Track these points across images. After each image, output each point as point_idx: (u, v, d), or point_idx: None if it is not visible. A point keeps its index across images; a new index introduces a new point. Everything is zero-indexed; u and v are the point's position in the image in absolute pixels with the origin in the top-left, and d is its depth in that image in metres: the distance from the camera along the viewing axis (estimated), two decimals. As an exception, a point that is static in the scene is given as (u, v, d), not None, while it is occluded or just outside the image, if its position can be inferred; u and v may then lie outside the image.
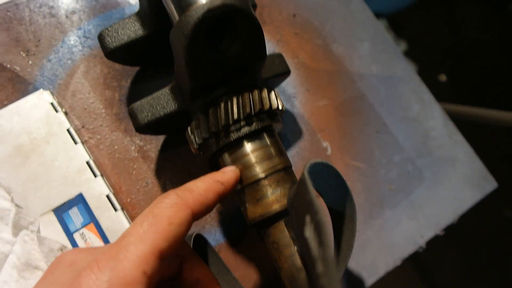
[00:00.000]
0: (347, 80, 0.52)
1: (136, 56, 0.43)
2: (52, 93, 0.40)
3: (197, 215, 0.26)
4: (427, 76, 1.82)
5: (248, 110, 0.32)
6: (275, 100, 0.35)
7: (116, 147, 0.42)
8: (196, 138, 0.34)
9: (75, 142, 0.38)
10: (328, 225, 0.28)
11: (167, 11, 0.33)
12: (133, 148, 0.43)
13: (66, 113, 0.41)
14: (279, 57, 0.41)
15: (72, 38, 0.46)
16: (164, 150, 0.43)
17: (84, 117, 0.43)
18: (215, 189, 0.29)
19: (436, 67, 1.84)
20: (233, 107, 0.32)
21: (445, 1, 1.94)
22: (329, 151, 0.48)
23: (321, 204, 0.24)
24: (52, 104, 0.39)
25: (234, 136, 0.32)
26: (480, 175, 0.52)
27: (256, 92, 0.33)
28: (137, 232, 0.22)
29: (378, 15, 1.78)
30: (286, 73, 0.42)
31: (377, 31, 0.54)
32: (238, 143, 0.33)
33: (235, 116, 0.32)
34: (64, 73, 0.45)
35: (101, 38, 0.38)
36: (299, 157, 0.48)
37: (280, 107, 0.35)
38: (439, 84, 1.81)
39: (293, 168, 0.35)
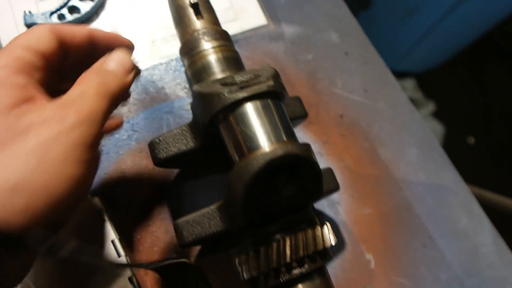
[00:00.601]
0: (393, 187, 0.50)
1: (183, 163, 0.43)
2: (100, 200, 0.40)
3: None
4: (455, 138, 1.79)
5: (301, 253, 0.31)
6: (328, 238, 0.33)
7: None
8: (245, 273, 0.33)
9: (119, 255, 0.37)
10: None
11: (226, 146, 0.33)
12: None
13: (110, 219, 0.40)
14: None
15: (121, 131, 0.46)
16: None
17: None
18: None
19: (464, 129, 1.81)
20: (285, 249, 0.31)
21: (474, 61, 1.93)
22: (372, 265, 0.46)
23: None
24: (99, 212, 0.38)
25: (284, 277, 0.31)
26: (533, 300, 0.48)
27: (309, 232, 0.32)
28: None
29: (407, 74, 1.78)
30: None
31: (425, 136, 0.53)
32: (288, 284, 0.32)
33: (287, 259, 0.31)
34: (109, 166, 0.45)
35: (151, 147, 0.38)
36: (340, 269, 0.45)
37: (333, 243, 0.34)
38: (467, 147, 1.77)
39: (334, 282, 0.33)
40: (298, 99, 0.42)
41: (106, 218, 0.38)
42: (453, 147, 1.77)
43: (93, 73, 0.29)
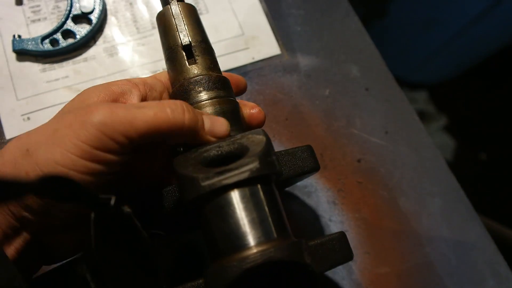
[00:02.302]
0: (414, 243, 0.45)
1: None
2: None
3: None
4: (467, 153, 1.73)
5: None
6: None
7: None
8: None
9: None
10: None
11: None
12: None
13: None
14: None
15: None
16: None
17: None
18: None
19: (476, 144, 1.75)
20: None
21: (489, 74, 1.87)
22: (387, 332, 0.42)
23: None
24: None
25: None
26: None
27: None
28: None
29: (419, 86, 1.72)
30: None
31: (450, 185, 0.48)
32: None
33: None
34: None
35: None
36: (352, 336, 0.41)
37: None
38: (478, 163, 1.72)
39: None
40: (309, 150, 0.36)
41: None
42: (464, 163, 1.71)
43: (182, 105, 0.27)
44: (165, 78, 0.33)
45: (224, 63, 0.47)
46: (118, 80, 0.29)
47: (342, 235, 0.35)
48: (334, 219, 0.45)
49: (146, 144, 0.27)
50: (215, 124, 0.29)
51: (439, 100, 1.74)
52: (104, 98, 0.27)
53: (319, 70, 0.50)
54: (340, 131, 0.48)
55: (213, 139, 0.28)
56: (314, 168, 0.35)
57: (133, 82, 0.29)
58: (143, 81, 0.30)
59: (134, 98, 0.28)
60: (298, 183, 0.45)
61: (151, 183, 0.33)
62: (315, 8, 0.52)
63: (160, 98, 0.31)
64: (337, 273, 0.43)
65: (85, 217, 0.23)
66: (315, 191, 0.45)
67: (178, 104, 0.27)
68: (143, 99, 0.29)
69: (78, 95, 0.28)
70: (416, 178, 0.48)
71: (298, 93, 0.49)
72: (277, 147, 0.46)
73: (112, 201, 0.23)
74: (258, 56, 0.49)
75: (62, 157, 0.24)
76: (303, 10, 0.52)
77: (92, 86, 0.28)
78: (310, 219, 0.44)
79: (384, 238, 0.45)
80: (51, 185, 0.19)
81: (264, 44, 0.49)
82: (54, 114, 0.28)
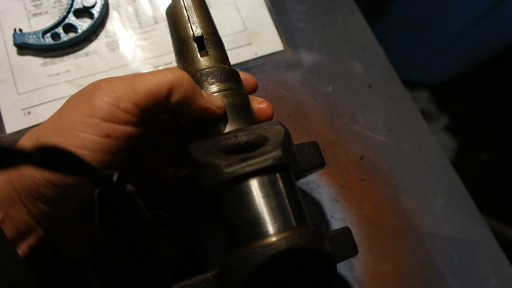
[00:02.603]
0: (416, 241, 0.45)
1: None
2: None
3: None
4: (468, 153, 1.73)
5: None
6: None
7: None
8: None
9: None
10: None
11: None
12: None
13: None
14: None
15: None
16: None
17: None
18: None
19: (477, 144, 1.75)
20: None
21: (492, 74, 1.87)
22: (389, 330, 0.41)
23: None
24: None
25: None
26: None
27: None
28: None
29: (420, 85, 1.72)
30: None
31: (453, 184, 0.48)
32: None
33: None
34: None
35: None
36: (354, 334, 0.41)
37: None
38: (479, 163, 1.72)
39: None
40: (315, 146, 0.36)
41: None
42: (465, 163, 1.71)
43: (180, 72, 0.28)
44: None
45: (227, 59, 0.47)
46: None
47: (347, 230, 0.35)
48: (336, 216, 0.44)
49: (155, 116, 0.27)
50: (210, 96, 0.29)
51: (440, 100, 1.74)
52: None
53: (322, 66, 0.50)
54: (343, 128, 0.48)
55: (213, 107, 0.28)
56: (320, 164, 0.35)
57: None
58: None
59: None
60: (301, 180, 0.45)
61: (157, 179, 0.33)
62: (319, 4, 0.52)
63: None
64: (339, 270, 0.43)
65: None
66: (318, 187, 0.45)
67: (175, 68, 0.28)
68: None
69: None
70: (418, 175, 0.48)
71: (300, 89, 0.48)
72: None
73: (115, 177, 0.22)
74: (261, 52, 0.48)
75: (72, 137, 0.23)
76: (306, 6, 0.52)
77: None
78: (312, 216, 0.44)
79: (386, 236, 0.45)
80: (50, 155, 0.19)
81: (267, 40, 0.49)
82: (55, 108, 0.27)
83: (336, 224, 0.44)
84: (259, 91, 0.48)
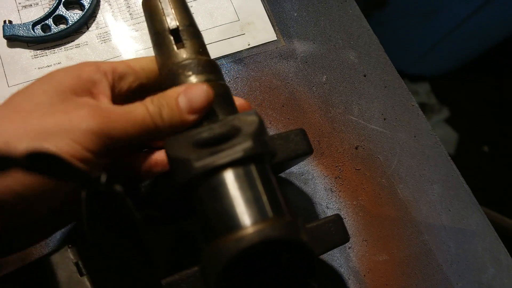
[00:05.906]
0: (413, 231, 0.44)
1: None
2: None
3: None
4: (469, 145, 1.72)
5: None
6: None
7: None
8: None
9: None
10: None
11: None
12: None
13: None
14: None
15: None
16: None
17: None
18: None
19: (478, 136, 1.74)
20: None
21: (492, 66, 1.85)
22: (386, 320, 0.41)
23: None
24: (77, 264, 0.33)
25: None
26: None
27: None
28: None
29: (420, 78, 1.71)
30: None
31: (450, 172, 0.47)
32: None
33: None
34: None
35: None
36: (350, 324, 0.41)
37: None
38: (481, 155, 1.71)
39: None
40: (301, 133, 0.35)
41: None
42: (466, 155, 1.70)
43: (158, 99, 0.28)
44: (140, 65, 0.31)
45: (219, 49, 0.47)
46: (87, 65, 0.28)
47: (337, 217, 0.35)
48: (331, 207, 0.44)
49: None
50: (190, 96, 0.28)
51: (440, 93, 1.73)
52: (74, 86, 0.26)
53: (316, 56, 0.49)
54: (338, 117, 0.47)
55: (192, 117, 0.28)
56: (307, 151, 0.34)
57: (102, 70, 0.28)
58: (113, 68, 0.29)
59: (104, 89, 0.27)
60: (295, 170, 0.45)
61: (141, 176, 0.32)
62: (312, -7, 0.52)
63: (131, 89, 0.30)
64: (335, 261, 0.42)
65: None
66: (312, 178, 0.45)
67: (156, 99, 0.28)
68: (111, 88, 0.28)
69: (46, 77, 0.27)
70: (415, 165, 0.47)
71: (294, 79, 0.48)
72: (273, 134, 0.45)
73: (103, 178, 0.22)
74: (254, 42, 0.48)
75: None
76: (299, -5, 0.51)
77: (61, 69, 0.27)
78: (307, 207, 0.44)
79: (382, 226, 0.44)
80: (38, 160, 0.19)
81: (260, 30, 0.48)
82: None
83: (331, 214, 0.44)
84: (252, 81, 0.48)
